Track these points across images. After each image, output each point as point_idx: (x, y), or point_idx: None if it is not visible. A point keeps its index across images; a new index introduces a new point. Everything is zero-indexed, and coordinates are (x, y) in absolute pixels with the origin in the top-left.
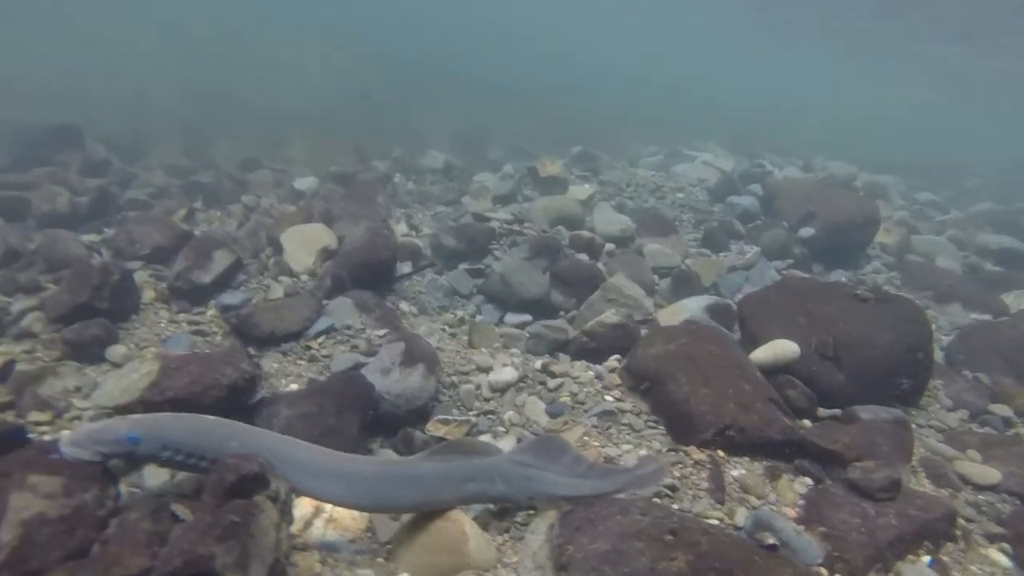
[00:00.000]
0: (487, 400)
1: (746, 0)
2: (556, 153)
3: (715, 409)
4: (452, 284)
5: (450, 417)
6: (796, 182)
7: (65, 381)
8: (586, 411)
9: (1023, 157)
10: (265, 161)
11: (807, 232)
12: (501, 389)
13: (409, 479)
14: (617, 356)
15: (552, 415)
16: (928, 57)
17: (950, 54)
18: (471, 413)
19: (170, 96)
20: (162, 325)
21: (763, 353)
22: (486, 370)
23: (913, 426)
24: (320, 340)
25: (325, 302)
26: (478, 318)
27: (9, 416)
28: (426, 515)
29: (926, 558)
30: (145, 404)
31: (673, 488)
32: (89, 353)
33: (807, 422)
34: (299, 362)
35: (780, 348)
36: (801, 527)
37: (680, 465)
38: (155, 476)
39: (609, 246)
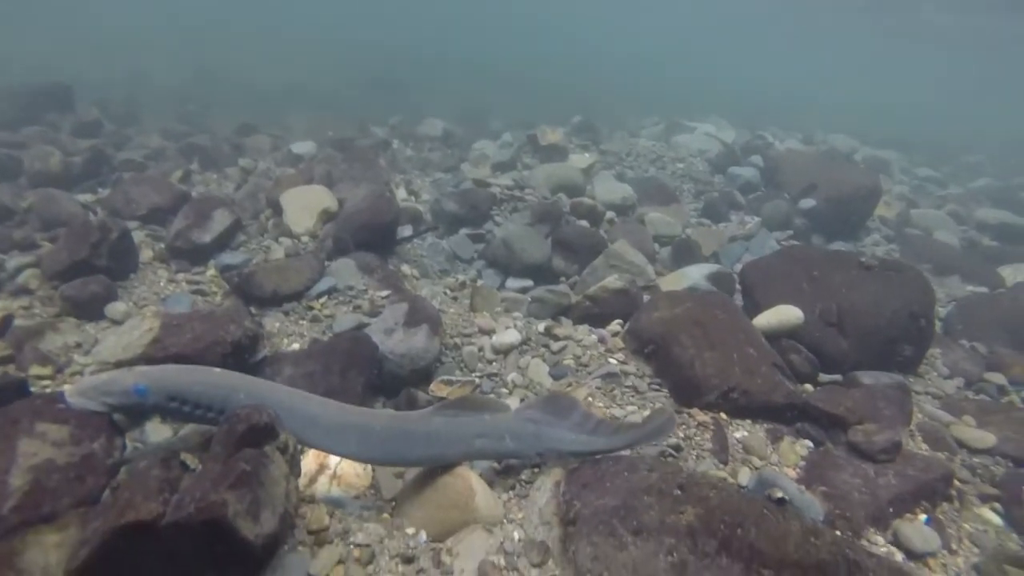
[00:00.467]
0: (490, 362)
1: None
2: (557, 124)
3: (720, 372)
4: (453, 248)
5: (453, 378)
6: (798, 154)
7: (65, 337)
8: (590, 373)
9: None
10: (262, 127)
11: (808, 204)
12: (504, 351)
13: (419, 434)
14: (619, 321)
15: (556, 377)
16: (934, 27)
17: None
18: (474, 375)
19: (165, 72)
20: (161, 284)
21: (767, 318)
22: (489, 333)
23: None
24: (322, 300)
25: (327, 263)
26: (479, 282)
27: (10, 369)
28: (432, 471)
29: (923, 516)
30: (147, 360)
31: (678, 448)
32: (89, 310)
33: (809, 387)
34: (301, 322)
35: (785, 314)
36: (802, 487)
37: (684, 426)
38: (158, 432)
39: (610, 214)
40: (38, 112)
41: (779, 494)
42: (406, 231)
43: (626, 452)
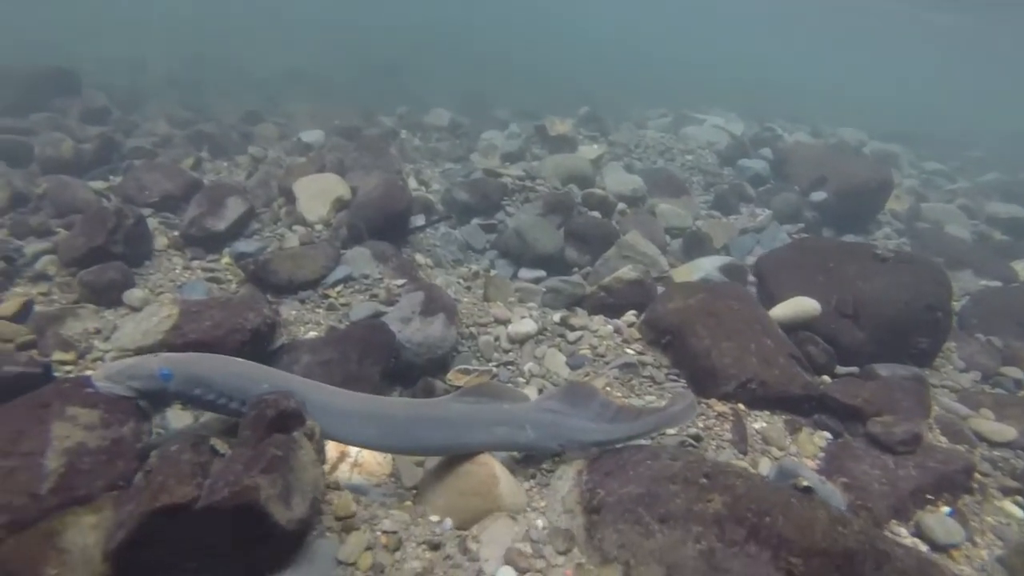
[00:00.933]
0: (506, 352)
1: None
2: (562, 115)
3: (737, 363)
4: (466, 238)
5: (470, 367)
6: (808, 147)
7: (85, 323)
8: (607, 363)
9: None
10: (267, 115)
11: (819, 196)
12: (520, 341)
13: (440, 422)
14: (634, 311)
15: (573, 367)
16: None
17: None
18: (491, 364)
19: (163, 57)
20: (176, 271)
21: (784, 310)
22: (504, 322)
23: None
24: (338, 289)
25: (342, 251)
26: (492, 272)
27: (34, 354)
28: (454, 459)
29: (946, 508)
30: (167, 347)
31: (697, 438)
32: (107, 296)
33: (826, 378)
34: (317, 310)
35: (801, 305)
36: (823, 477)
37: (703, 416)
38: (180, 419)
39: (621, 205)
40: (42, 97)
41: (804, 483)
42: (419, 220)
43: (646, 441)
